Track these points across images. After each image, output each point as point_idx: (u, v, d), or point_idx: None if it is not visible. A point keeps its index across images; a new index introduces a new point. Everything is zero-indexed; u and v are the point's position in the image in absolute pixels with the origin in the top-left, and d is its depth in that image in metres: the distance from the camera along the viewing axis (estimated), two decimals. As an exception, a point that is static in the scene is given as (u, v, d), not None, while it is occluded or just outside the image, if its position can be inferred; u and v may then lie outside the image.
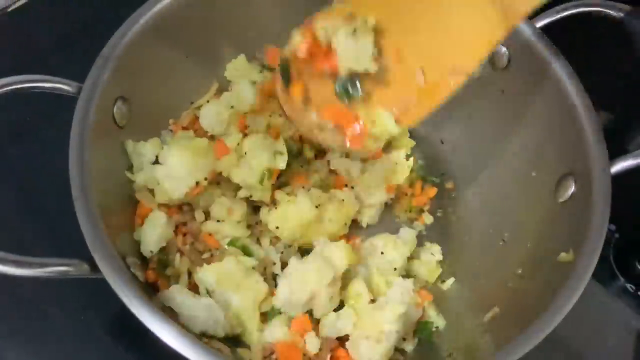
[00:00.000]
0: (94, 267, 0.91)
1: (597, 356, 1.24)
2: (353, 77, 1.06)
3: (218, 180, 1.19)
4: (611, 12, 1.17)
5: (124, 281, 0.89)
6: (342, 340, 1.09)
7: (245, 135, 1.20)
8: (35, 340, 1.15)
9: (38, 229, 1.21)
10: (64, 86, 1.04)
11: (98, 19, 1.51)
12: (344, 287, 1.13)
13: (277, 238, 1.19)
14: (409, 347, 1.14)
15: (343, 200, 1.22)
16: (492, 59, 1.24)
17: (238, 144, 1.17)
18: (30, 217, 1.22)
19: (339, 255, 1.10)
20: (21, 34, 1.50)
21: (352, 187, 1.28)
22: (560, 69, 1.14)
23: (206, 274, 1.07)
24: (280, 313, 1.10)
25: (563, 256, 1.04)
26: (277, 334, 1.06)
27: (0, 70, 1.35)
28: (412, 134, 1.40)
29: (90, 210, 0.94)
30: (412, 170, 1.36)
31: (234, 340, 1.08)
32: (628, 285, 1.29)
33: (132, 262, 0.98)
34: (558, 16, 1.19)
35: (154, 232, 1.10)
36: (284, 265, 1.16)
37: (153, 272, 1.07)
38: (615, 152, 1.08)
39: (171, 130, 1.26)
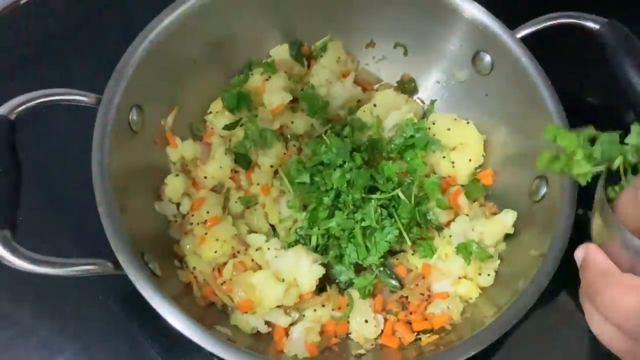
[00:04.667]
0: (118, 265, 1.02)
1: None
2: None
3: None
4: (588, 23, 1.25)
5: (146, 279, 1.01)
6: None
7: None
8: (55, 316, 1.25)
9: (64, 229, 1.30)
10: (84, 98, 1.13)
11: (107, 14, 1.57)
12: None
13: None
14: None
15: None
16: (477, 66, 1.35)
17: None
18: (58, 219, 1.31)
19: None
20: (28, 29, 1.55)
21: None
22: (536, 76, 1.23)
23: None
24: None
25: (534, 252, 1.13)
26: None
27: (10, 65, 1.43)
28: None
29: (113, 214, 1.04)
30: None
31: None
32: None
33: (149, 258, 1.09)
34: (539, 26, 1.27)
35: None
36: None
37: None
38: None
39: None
